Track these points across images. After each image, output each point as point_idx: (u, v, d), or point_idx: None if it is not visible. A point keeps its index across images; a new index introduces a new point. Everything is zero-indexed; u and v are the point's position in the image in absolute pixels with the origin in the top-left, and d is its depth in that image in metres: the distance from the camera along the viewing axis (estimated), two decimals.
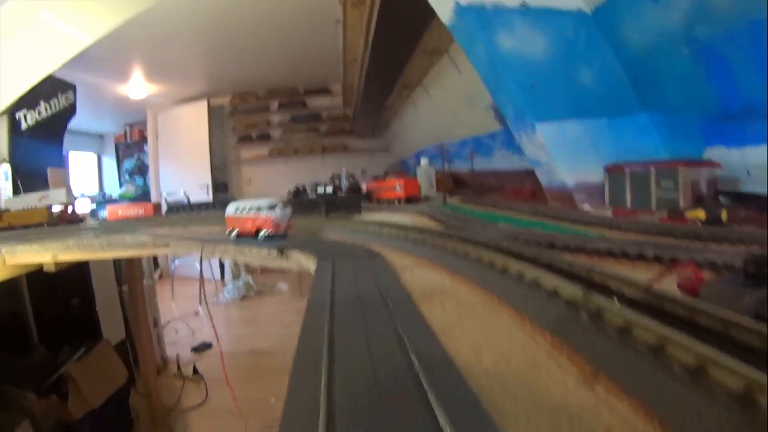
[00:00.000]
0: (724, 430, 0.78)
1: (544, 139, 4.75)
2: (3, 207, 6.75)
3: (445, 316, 1.56)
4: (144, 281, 7.18)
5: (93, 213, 8.64)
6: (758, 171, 3.74)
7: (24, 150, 8.01)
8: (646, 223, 3.09)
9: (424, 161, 7.79)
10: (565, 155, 4.76)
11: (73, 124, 9.78)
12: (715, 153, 4.12)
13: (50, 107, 8.70)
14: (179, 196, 12.14)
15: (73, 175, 13.02)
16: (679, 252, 2.08)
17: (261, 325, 10.38)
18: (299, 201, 6.55)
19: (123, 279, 7.30)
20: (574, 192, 4.72)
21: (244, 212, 3.62)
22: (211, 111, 14.06)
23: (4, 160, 7.69)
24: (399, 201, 6.37)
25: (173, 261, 13.57)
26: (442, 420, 0.82)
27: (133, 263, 6.70)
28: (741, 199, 3.81)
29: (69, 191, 6.57)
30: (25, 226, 5.95)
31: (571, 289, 1.41)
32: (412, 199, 6.35)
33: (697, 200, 3.83)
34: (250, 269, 13.02)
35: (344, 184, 8.44)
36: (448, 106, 8.81)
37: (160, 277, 13.67)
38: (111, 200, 13.21)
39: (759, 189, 3.68)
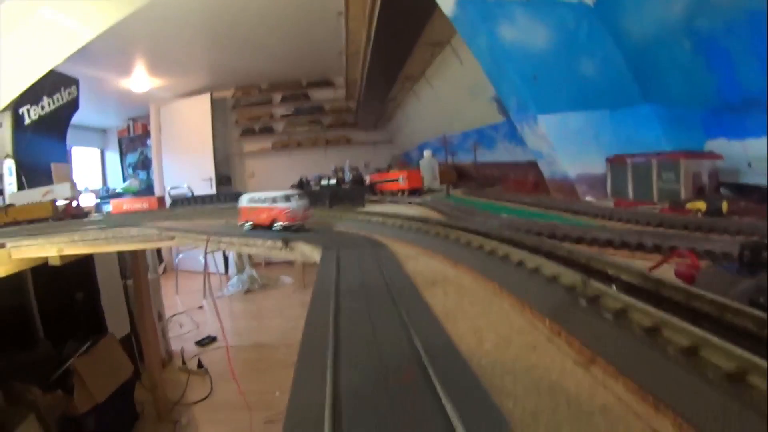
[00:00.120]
0: (716, 407, 0.80)
1: (546, 131, 4.77)
2: (7, 202, 6.77)
3: (447, 302, 1.59)
4: (149, 275, 7.19)
5: (97, 207, 8.65)
6: (759, 163, 3.76)
7: (27, 145, 8.04)
8: (646, 214, 3.11)
9: (427, 153, 7.79)
10: (568, 147, 4.78)
11: (76, 118, 9.80)
12: (717, 145, 4.13)
13: (53, 102, 8.73)
14: (183, 189, 12.17)
15: (76, 170, 13.02)
16: (679, 242, 2.11)
17: (265, 318, 10.41)
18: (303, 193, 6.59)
19: (128, 273, 7.34)
20: (576, 183, 4.74)
21: (259, 203, 3.57)
22: (214, 104, 14.09)
23: (8, 156, 7.72)
24: (402, 193, 6.39)
25: (177, 255, 13.61)
26: (445, 399, 0.85)
27: (137, 257, 6.72)
28: (742, 190, 3.82)
29: (73, 186, 6.59)
30: (30, 221, 5.98)
31: (570, 276, 1.44)
32: (415, 191, 6.36)
33: (699, 192, 3.84)
34: (254, 263, 13.05)
35: (347, 176, 8.46)
36: (450, 98, 8.82)
37: (165, 271, 13.68)
38: (115, 194, 13.19)
39: (760, 181, 3.69)
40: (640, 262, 1.88)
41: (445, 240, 2.50)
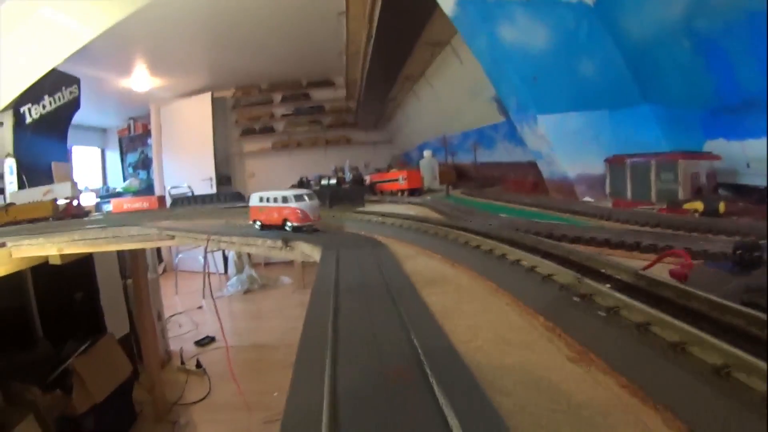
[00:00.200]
0: (703, 401, 0.82)
1: (545, 131, 4.79)
2: (8, 201, 6.78)
3: (445, 300, 1.61)
4: (148, 275, 7.20)
5: (98, 207, 8.66)
6: (758, 163, 3.78)
7: (28, 144, 8.05)
8: (643, 214, 3.13)
9: (427, 153, 7.81)
10: (567, 147, 4.79)
11: (77, 118, 9.81)
12: (716, 145, 4.15)
13: (54, 101, 8.73)
14: (183, 189, 12.19)
15: (76, 170, 13.02)
16: (674, 242, 2.12)
17: (264, 318, 10.42)
18: None
19: (127, 273, 7.35)
20: (576, 184, 4.76)
21: (270, 202, 3.51)
22: (215, 104, 14.07)
23: (9, 155, 7.74)
24: (402, 193, 6.41)
25: (177, 255, 13.62)
26: (442, 399, 0.86)
27: (137, 257, 6.74)
28: (740, 191, 3.84)
29: (74, 185, 6.61)
30: (31, 220, 5.99)
31: (565, 275, 1.47)
32: (415, 191, 6.37)
33: (697, 192, 3.86)
34: (253, 263, 13.06)
35: (348, 176, 8.47)
36: (450, 98, 8.84)
37: (164, 271, 13.70)
38: (115, 194, 13.19)
39: (758, 181, 3.71)
40: (637, 262, 1.90)
41: (443, 240, 2.52)
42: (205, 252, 3.99)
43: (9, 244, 4.33)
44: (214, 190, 13.26)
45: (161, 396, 6.68)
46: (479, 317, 1.43)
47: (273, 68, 13.26)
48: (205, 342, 8.87)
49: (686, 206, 3.34)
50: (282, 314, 10.21)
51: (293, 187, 7.93)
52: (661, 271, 1.56)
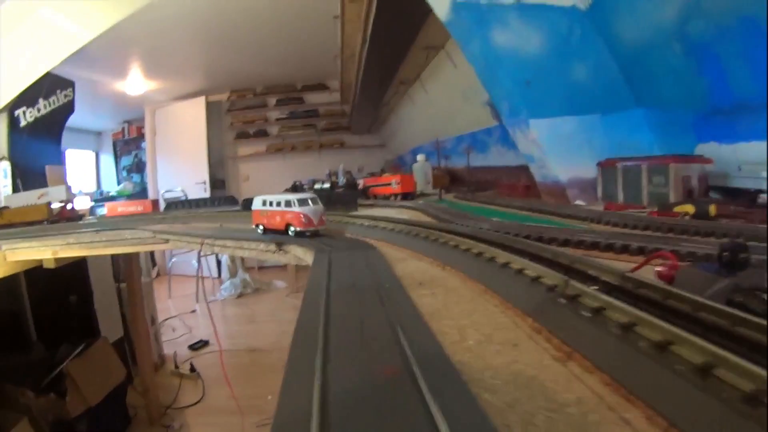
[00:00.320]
0: (685, 399, 0.84)
1: (537, 135, 4.80)
2: (2, 204, 6.78)
3: (434, 302, 1.63)
4: (142, 279, 7.20)
5: (92, 210, 8.65)
6: (749, 167, 3.80)
7: (23, 147, 8.04)
8: (633, 217, 3.14)
9: (420, 157, 7.83)
10: (559, 151, 4.81)
11: (71, 121, 9.79)
12: (708, 149, 4.18)
13: (49, 104, 8.73)
14: (177, 193, 12.19)
15: (71, 173, 13.00)
16: (663, 244, 2.14)
17: (258, 322, 10.41)
18: None
19: (121, 277, 7.35)
20: (567, 187, 4.78)
21: (273, 206, 3.46)
22: (209, 107, 14.05)
23: (3, 158, 7.72)
24: (395, 197, 6.41)
25: (170, 259, 13.60)
26: (426, 390, 0.88)
27: (131, 261, 6.74)
28: (731, 194, 3.86)
29: (68, 188, 6.61)
30: (25, 223, 5.98)
31: (552, 277, 1.49)
32: (408, 195, 6.38)
33: (688, 195, 3.88)
34: (246, 267, 13.06)
35: (341, 180, 8.47)
36: (444, 102, 8.86)
37: (157, 275, 13.71)
38: (109, 197, 13.18)
39: (749, 184, 3.73)
40: (626, 264, 1.91)
41: (434, 243, 2.54)
42: (199, 256, 3.98)
43: (3, 247, 4.34)
44: (208, 194, 13.25)
45: (155, 400, 6.69)
46: (468, 318, 1.46)
47: (268, 72, 13.27)
48: (198, 346, 8.87)
49: (677, 209, 3.35)
50: (275, 318, 10.22)
51: (287, 191, 7.93)
52: (649, 273, 1.58)
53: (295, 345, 1.23)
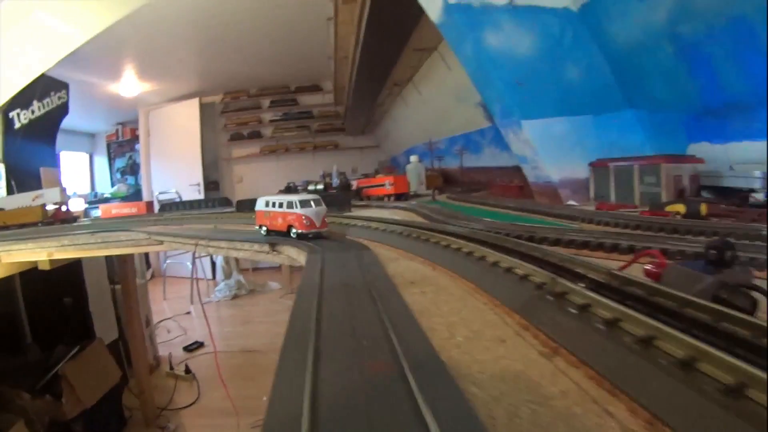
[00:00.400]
0: (667, 392, 0.86)
1: (530, 136, 4.82)
2: None
3: (424, 300, 1.65)
4: (137, 281, 7.20)
5: (86, 212, 8.66)
6: (740, 166, 3.84)
7: (17, 149, 8.04)
8: (624, 217, 3.17)
9: (413, 158, 7.84)
10: (551, 152, 4.83)
11: (65, 123, 9.80)
12: (699, 149, 4.22)
13: (43, 106, 8.73)
14: (171, 194, 12.20)
15: (65, 175, 12.99)
16: (653, 243, 2.17)
17: (252, 323, 10.40)
18: None
19: (116, 278, 7.35)
20: (560, 188, 4.80)
21: (275, 207, 3.42)
22: (203, 109, 14.07)
23: None
24: (389, 198, 6.42)
25: (165, 261, 13.61)
26: (413, 384, 0.90)
27: (125, 263, 6.74)
28: (723, 193, 3.88)
29: (63, 190, 6.61)
30: (20, 225, 5.98)
31: (540, 275, 1.51)
32: (401, 196, 6.39)
33: (679, 195, 3.91)
34: (241, 268, 13.07)
35: (335, 181, 8.48)
36: (438, 103, 8.88)
37: (152, 276, 13.70)
38: (103, 199, 13.17)
39: (740, 183, 3.76)
40: (614, 262, 1.94)
41: (426, 243, 2.56)
42: (193, 257, 3.99)
43: None
44: (202, 196, 13.25)
45: (150, 401, 6.68)
46: (457, 316, 1.48)
47: (261, 73, 13.28)
48: (193, 347, 8.87)
49: (668, 209, 3.38)
50: (270, 319, 10.21)
51: (281, 192, 7.94)
52: (638, 272, 1.60)
53: (287, 342, 1.25)
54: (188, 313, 10.93)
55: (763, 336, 0.95)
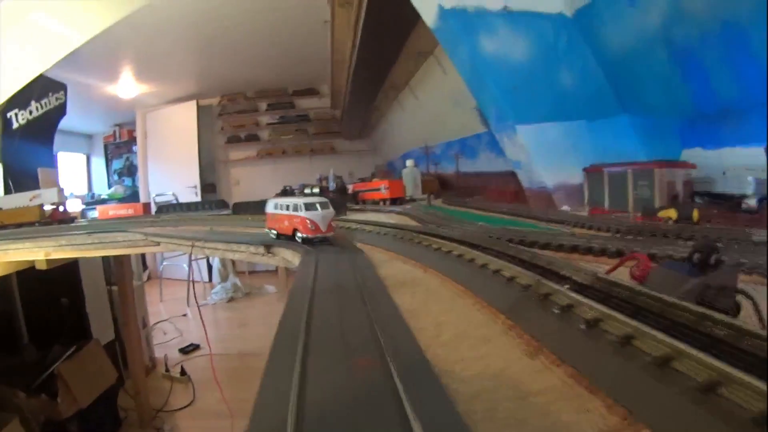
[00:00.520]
0: (644, 388, 0.90)
1: (524, 141, 4.85)
2: None
3: (414, 301, 1.69)
4: (133, 282, 7.23)
5: (83, 213, 8.68)
6: (734, 172, 3.87)
7: (15, 149, 8.06)
8: (615, 221, 3.20)
9: (409, 163, 7.86)
10: (545, 157, 4.86)
11: (63, 123, 9.81)
12: (693, 154, 4.24)
13: (41, 107, 8.74)
14: (168, 196, 12.22)
15: (62, 176, 12.99)
16: (641, 247, 2.19)
17: (248, 326, 10.42)
18: None
19: (113, 279, 7.36)
20: (554, 193, 4.83)
21: (282, 210, 3.31)
22: (200, 111, 14.08)
23: None
24: (384, 202, 6.44)
25: (161, 262, 13.60)
26: (397, 380, 0.93)
27: (122, 264, 6.76)
28: (716, 199, 3.91)
29: (60, 191, 6.63)
30: (17, 225, 6.01)
31: (526, 277, 1.54)
32: (397, 200, 6.41)
33: (673, 200, 3.93)
34: (237, 271, 13.08)
35: (332, 185, 8.50)
36: (434, 107, 8.90)
37: (149, 278, 13.71)
38: (100, 201, 13.18)
39: (733, 189, 3.79)
40: (603, 266, 1.97)
41: (418, 246, 2.60)
42: (190, 259, 4.00)
43: None
44: (198, 198, 13.27)
45: (146, 403, 6.70)
46: (445, 316, 1.51)
47: (259, 76, 13.29)
48: (189, 349, 8.88)
49: (660, 214, 3.40)
50: (266, 322, 10.20)
51: (277, 195, 7.94)
52: (624, 274, 1.64)
53: (277, 339, 1.29)
54: (185, 315, 10.93)
55: (742, 337, 0.99)
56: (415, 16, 5.43)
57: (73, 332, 6.46)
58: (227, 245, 3.58)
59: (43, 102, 8.79)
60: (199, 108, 14.09)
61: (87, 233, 4.70)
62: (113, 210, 7.84)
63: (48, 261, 4.39)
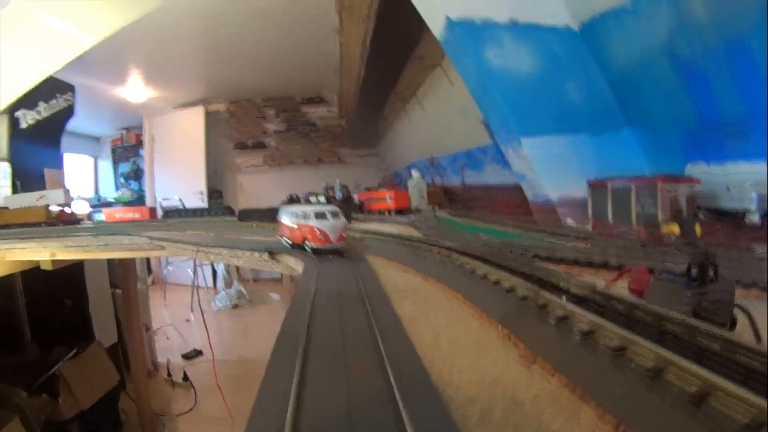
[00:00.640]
0: (634, 397, 0.92)
1: (529, 154, 4.85)
2: (1, 205, 6.81)
3: (413, 310, 1.71)
4: (138, 286, 7.23)
5: (89, 215, 8.70)
6: (737, 187, 3.87)
7: (23, 149, 8.09)
8: (618, 236, 3.20)
9: (415, 174, 7.85)
10: (550, 170, 4.86)
11: (71, 125, 9.85)
12: (697, 169, 4.24)
13: (49, 107, 8.78)
14: (174, 201, 12.21)
15: (69, 177, 13.01)
16: (640, 260, 2.21)
17: (251, 334, 10.40)
18: None
19: (117, 282, 7.36)
20: (558, 207, 4.82)
21: (293, 218, 3.25)
22: (208, 117, 14.02)
23: (3, 159, 7.76)
24: (389, 212, 6.44)
25: (165, 267, 13.59)
26: (394, 386, 0.95)
27: (127, 267, 6.76)
28: (719, 214, 3.90)
29: (66, 192, 6.65)
30: (23, 225, 6.02)
31: (524, 288, 1.56)
32: (402, 211, 6.41)
33: (676, 215, 3.92)
34: (242, 278, 13.06)
35: (338, 194, 8.50)
36: (440, 118, 8.89)
37: (153, 282, 13.67)
38: (106, 203, 13.20)
39: (737, 205, 3.79)
40: (603, 278, 1.98)
41: (419, 256, 2.62)
42: (195, 264, 4.01)
43: (2, 247, 4.38)
44: (205, 204, 13.24)
45: (147, 406, 6.69)
46: (443, 324, 1.54)
47: (267, 84, 13.28)
48: (192, 355, 8.87)
49: (663, 229, 3.40)
50: (269, 330, 10.08)
51: (283, 203, 7.93)
52: (623, 286, 1.65)
53: (278, 344, 1.31)
54: (188, 320, 10.91)
55: (736, 349, 1.00)
56: (422, 27, 5.44)
57: (76, 333, 6.46)
58: (231, 251, 3.58)
59: (51, 103, 8.84)
60: (206, 114, 14.07)
61: (92, 235, 4.71)
62: (120, 213, 7.89)
63: (53, 262, 4.40)
